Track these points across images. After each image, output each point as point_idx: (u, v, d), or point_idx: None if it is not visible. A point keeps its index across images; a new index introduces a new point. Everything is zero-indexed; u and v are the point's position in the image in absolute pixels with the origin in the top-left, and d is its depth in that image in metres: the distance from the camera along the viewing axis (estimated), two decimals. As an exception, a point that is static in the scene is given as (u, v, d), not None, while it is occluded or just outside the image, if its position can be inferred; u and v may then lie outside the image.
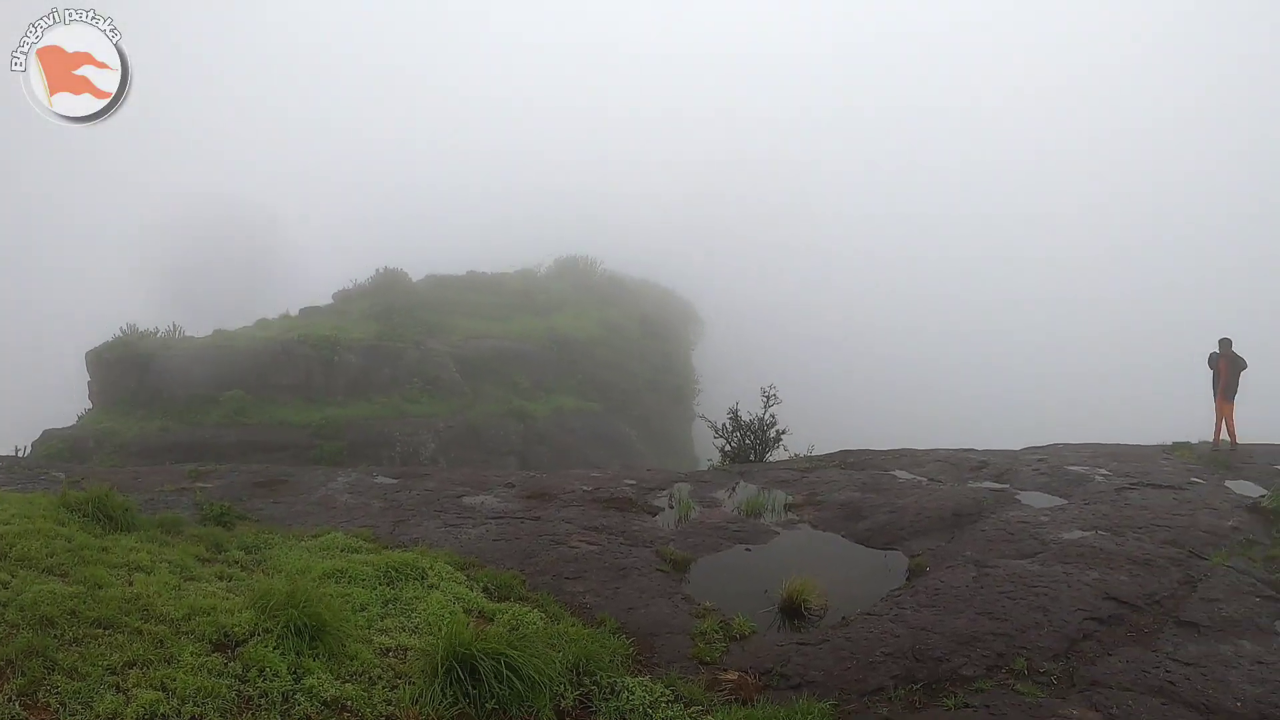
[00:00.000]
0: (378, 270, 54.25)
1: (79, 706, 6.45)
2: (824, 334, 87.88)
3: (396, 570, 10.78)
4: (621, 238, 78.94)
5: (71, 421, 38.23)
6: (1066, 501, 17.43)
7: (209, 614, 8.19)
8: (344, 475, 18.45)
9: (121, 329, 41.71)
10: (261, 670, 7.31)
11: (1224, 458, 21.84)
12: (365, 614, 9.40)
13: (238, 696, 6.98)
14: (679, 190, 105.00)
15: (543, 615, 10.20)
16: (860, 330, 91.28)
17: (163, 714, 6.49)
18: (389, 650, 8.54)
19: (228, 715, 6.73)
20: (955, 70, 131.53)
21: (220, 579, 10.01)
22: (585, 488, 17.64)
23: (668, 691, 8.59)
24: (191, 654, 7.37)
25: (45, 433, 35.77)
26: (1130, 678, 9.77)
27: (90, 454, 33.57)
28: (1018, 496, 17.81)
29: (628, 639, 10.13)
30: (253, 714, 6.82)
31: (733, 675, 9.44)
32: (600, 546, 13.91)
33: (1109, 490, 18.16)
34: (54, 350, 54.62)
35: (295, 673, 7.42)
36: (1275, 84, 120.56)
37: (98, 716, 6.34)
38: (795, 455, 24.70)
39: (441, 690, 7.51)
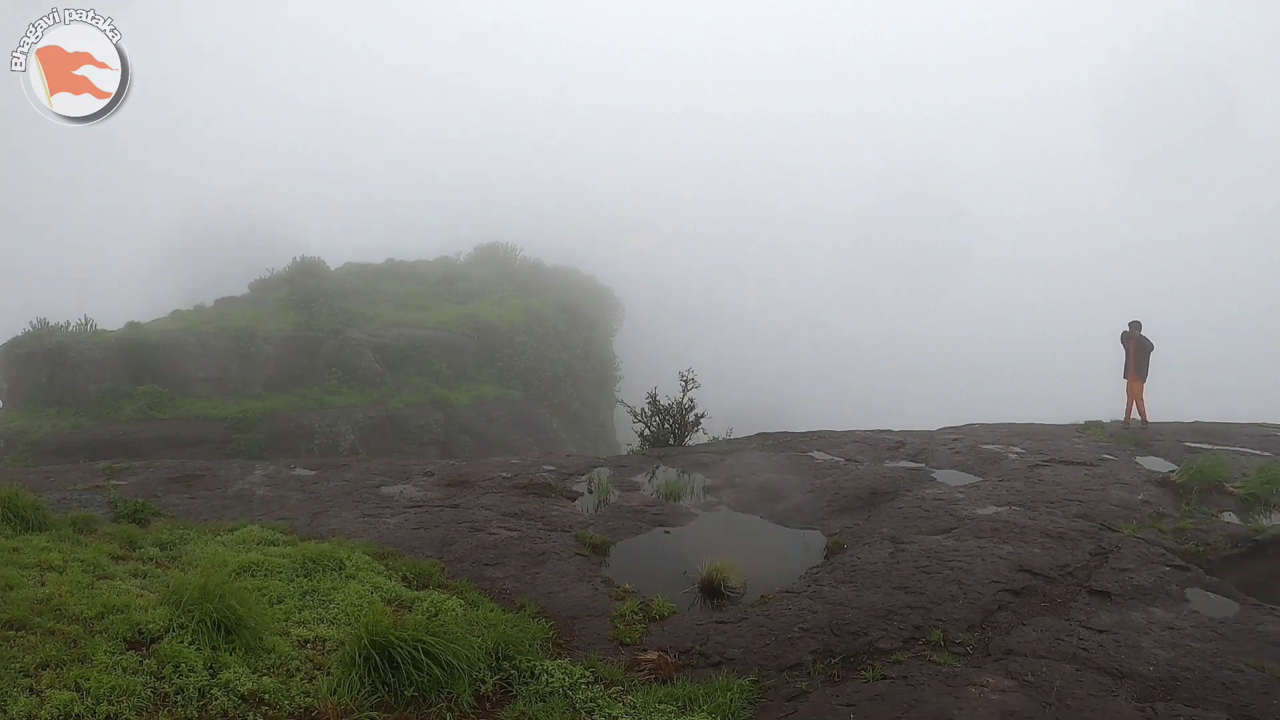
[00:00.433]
0: (295, 259, 53.15)
1: (-8, 709, 6.36)
2: (743, 319, 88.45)
3: (314, 562, 10.70)
4: (541, 225, 78.87)
5: (-19, 422, 37.37)
6: (981, 479, 17.73)
7: (123, 612, 8.09)
8: (261, 468, 18.25)
9: (31, 323, 40.43)
10: (177, 666, 7.24)
11: (1135, 435, 22.38)
12: (282, 606, 9.31)
13: (153, 694, 6.90)
14: (597, 179, 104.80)
15: (462, 602, 10.17)
16: (778, 316, 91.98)
17: (77, 714, 6.41)
18: (307, 642, 8.49)
19: (144, 713, 6.66)
20: (862, 66, 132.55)
21: (135, 576, 9.88)
22: (504, 474, 17.60)
23: (588, 673, 8.63)
24: (105, 653, 7.27)
25: (-45, 435, 34.91)
26: (1044, 646, 9.98)
27: (1, 454, 32.97)
28: (934, 475, 18.07)
29: (547, 623, 10.14)
30: (169, 711, 6.76)
31: (652, 655, 9.49)
32: (519, 532, 13.88)
33: (1022, 467, 18.49)
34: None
35: (211, 668, 7.36)
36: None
37: (12, 719, 6.26)
38: (714, 439, 24.85)
39: (360, 679, 7.48)
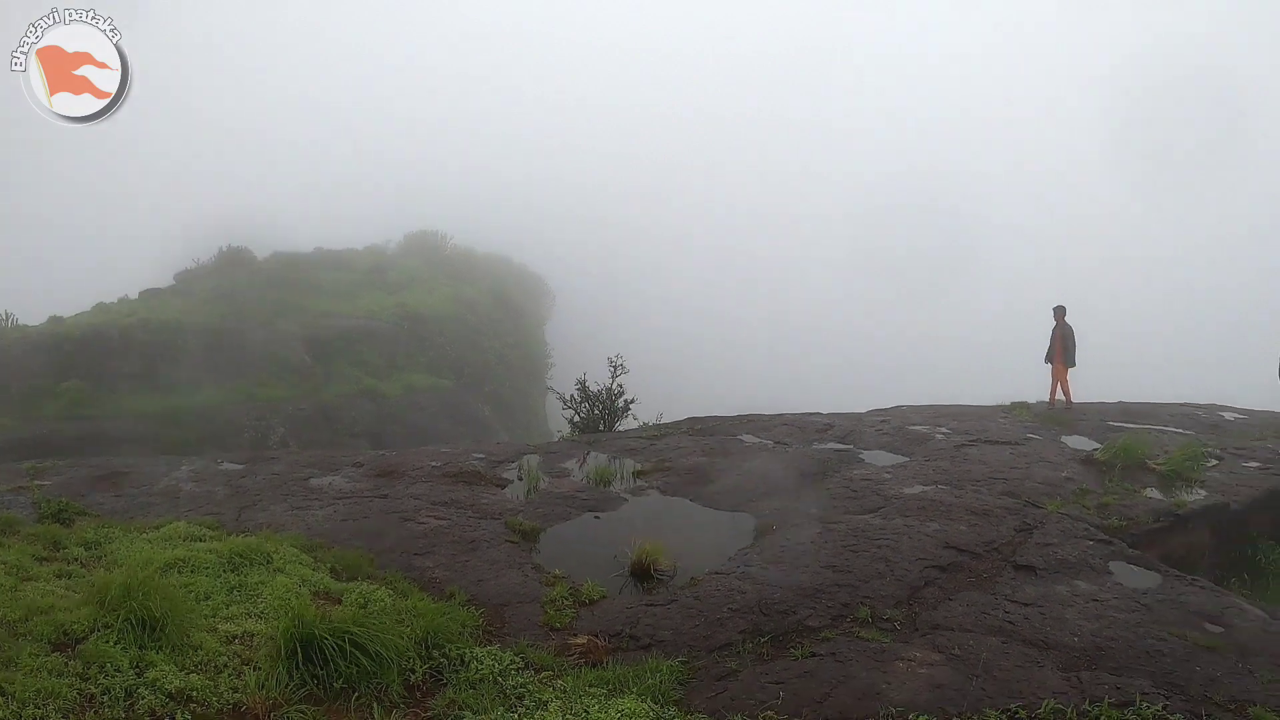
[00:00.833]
0: (221, 249, 51.69)
1: (-85, 717, 6.27)
2: (674, 305, 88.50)
3: (241, 556, 10.61)
4: (471, 212, 78.15)
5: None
6: (908, 459, 17.94)
7: (47, 613, 7.98)
8: (188, 464, 18.01)
9: (-52, 322, 39.59)
10: (103, 667, 7.17)
11: (1059, 415, 22.78)
12: (210, 602, 9.23)
13: (79, 695, 6.83)
14: (527, 168, 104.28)
15: (391, 592, 10.13)
16: (709, 300, 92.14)
17: (2, 718, 6.35)
18: (235, 637, 8.42)
19: (70, 715, 6.59)
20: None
21: (59, 577, 9.76)
22: (434, 464, 17.52)
23: (518, 659, 8.66)
24: (30, 655, 7.17)
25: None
26: (970, 620, 10.18)
27: (-77, 458, 32.28)
28: (861, 456, 18.25)
29: (478, 610, 10.15)
30: (96, 712, 6.70)
31: (582, 640, 9.54)
32: (449, 521, 13.84)
33: (949, 447, 18.74)
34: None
35: (138, 667, 7.29)
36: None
37: (-65, 727, 6.20)
38: (644, 424, 24.83)
39: (287, 673, 7.46)
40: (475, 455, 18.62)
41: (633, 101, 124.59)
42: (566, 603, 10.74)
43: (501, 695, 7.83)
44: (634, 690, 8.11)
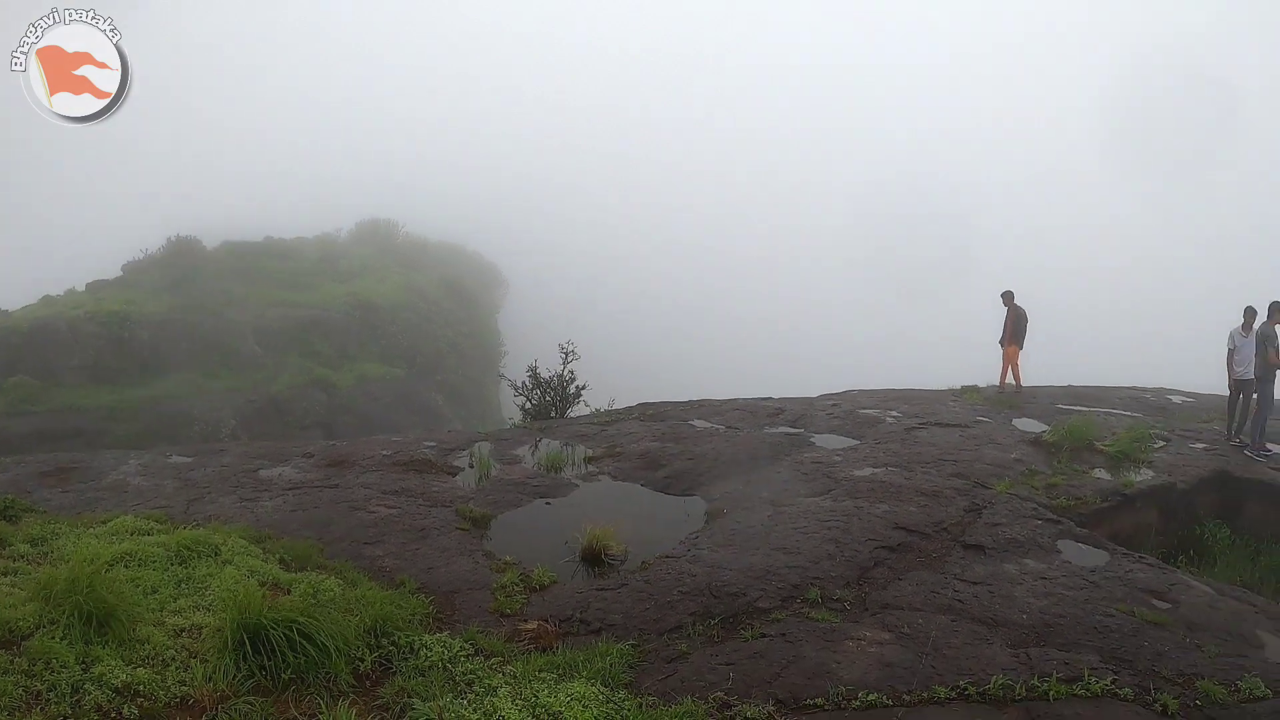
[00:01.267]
0: (169, 239, 51.07)
1: None
2: (626, 291, 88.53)
3: (188, 549, 10.49)
4: (422, 200, 77.80)
5: None
6: (859, 442, 18.07)
7: (-9, 611, 7.92)
8: (136, 457, 17.82)
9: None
10: (48, 663, 7.08)
11: (1009, 398, 22.99)
12: (157, 596, 9.13)
13: (25, 692, 6.73)
14: (479, 158, 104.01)
15: (340, 582, 10.05)
16: (661, 286, 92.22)
17: (-53, 717, 6.28)
18: (183, 630, 8.33)
19: (16, 713, 6.50)
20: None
21: (4, 574, 9.60)
22: (385, 453, 17.42)
23: (467, 646, 8.61)
24: (-26, 653, 7.12)
25: None
26: (920, 599, 10.29)
27: None
28: (812, 439, 18.36)
29: (428, 598, 10.10)
30: (42, 709, 6.62)
31: (532, 625, 9.53)
32: (400, 510, 13.78)
33: (899, 430, 18.90)
34: None
35: (84, 662, 7.21)
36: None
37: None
38: (596, 410, 24.85)
39: (235, 664, 7.41)
40: (426, 444, 18.56)
41: (586, 97, 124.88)
42: (517, 589, 10.71)
43: (451, 682, 7.80)
44: (584, 674, 8.11)
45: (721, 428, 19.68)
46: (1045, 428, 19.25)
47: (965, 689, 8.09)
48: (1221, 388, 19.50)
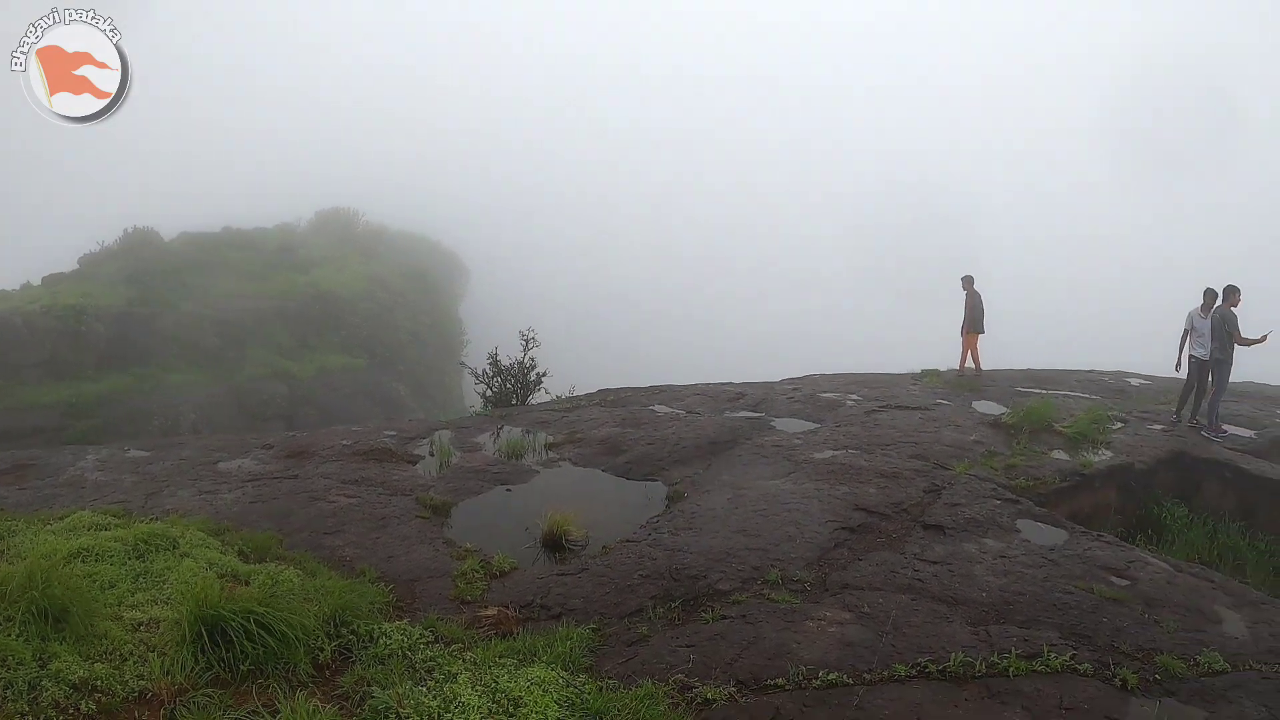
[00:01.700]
0: (126, 230, 50.50)
1: None
2: (588, 279, 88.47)
3: (146, 543, 10.41)
4: (382, 189, 77.33)
5: None
6: (819, 425, 18.16)
7: (-54, 610, 7.84)
8: (94, 453, 17.66)
9: None
10: (4, 660, 6.99)
11: (969, 381, 23.18)
12: (115, 590, 9.05)
13: (-20, 690, 6.72)
14: (438, 146, 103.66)
15: (299, 572, 9.99)
16: (623, 273, 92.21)
17: (-99, 718, 6.22)
18: (141, 624, 8.26)
19: (-29, 712, 6.50)
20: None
21: (-42, 573, 9.59)
22: (345, 443, 17.35)
23: (427, 633, 8.60)
24: (-71, 652, 7.05)
25: None
26: (880, 579, 10.36)
27: None
28: (773, 423, 18.44)
29: (388, 587, 10.09)
30: (-2, 707, 6.61)
31: (492, 611, 9.53)
32: (360, 499, 13.73)
33: (859, 413, 19.01)
34: None
35: (41, 659, 7.13)
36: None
37: None
38: (557, 397, 24.91)
39: (193, 657, 7.37)
40: (387, 433, 18.50)
41: (549, 91, 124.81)
42: (478, 575, 10.71)
43: (410, 669, 7.78)
44: (544, 659, 8.12)
45: (683, 412, 19.74)
46: (1004, 410, 19.43)
47: (925, 667, 8.16)
48: (1174, 368, 19.74)
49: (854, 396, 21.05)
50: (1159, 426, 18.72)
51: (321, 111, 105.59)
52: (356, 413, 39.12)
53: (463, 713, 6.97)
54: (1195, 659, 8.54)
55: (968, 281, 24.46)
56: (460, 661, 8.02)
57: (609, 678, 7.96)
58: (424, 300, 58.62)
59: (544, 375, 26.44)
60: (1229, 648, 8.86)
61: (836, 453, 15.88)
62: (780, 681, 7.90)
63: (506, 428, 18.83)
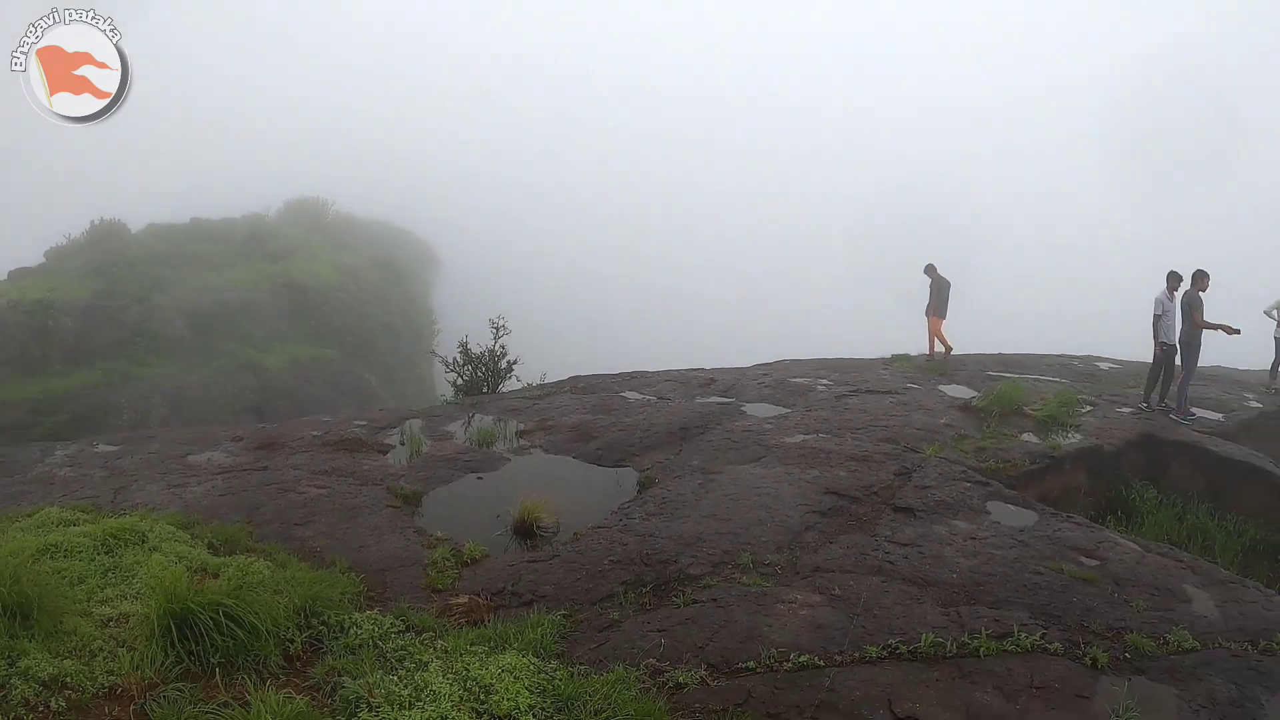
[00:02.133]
0: (93, 222, 49.90)
1: None
2: (560, 266, 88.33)
3: (115, 537, 10.36)
4: (351, 179, 76.94)
5: None
6: (790, 410, 18.23)
7: (-87, 610, 7.79)
8: (62, 448, 17.55)
9: None
10: (-28, 659, 7.03)
11: (939, 365, 23.31)
12: (84, 586, 9.01)
13: (-52, 691, 6.69)
14: (408, 135, 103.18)
15: (269, 564, 9.95)
16: (594, 260, 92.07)
17: None
18: (110, 620, 8.23)
19: (-61, 712, 6.47)
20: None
21: (-75, 573, 9.52)
22: (315, 433, 17.29)
23: (398, 622, 8.60)
24: (-104, 652, 7.00)
25: None
26: (851, 561, 10.41)
27: None
28: (744, 408, 18.49)
29: (359, 577, 10.06)
30: (-34, 706, 6.57)
31: (463, 599, 9.55)
32: (330, 489, 13.68)
33: (830, 398, 19.08)
34: None
35: (9, 656, 7.09)
36: None
37: None
38: (528, 384, 24.91)
39: (163, 651, 7.34)
40: (357, 423, 18.45)
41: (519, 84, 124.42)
42: (449, 564, 10.70)
43: (381, 659, 7.78)
44: (515, 645, 8.13)
45: (653, 399, 19.76)
46: (974, 393, 19.54)
47: (896, 648, 8.22)
48: (1147, 355, 19.85)
49: (824, 381, 21.13)
50: (1128, 409, 18.87)
51: (290, 103, 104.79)
52: (328, 403, 38.84)
53: (434, 701, 6.97)
54: (1165, 637, 8.62)
55: (930, 269, 24.76)
56: (431, 650, 8.02)
57: (580, 663, 7.98)
58: (395, 289, 58.31)
59: (515, 363, 26.40)
60: (1198, 626, 8.95)
61: (807, 437, 15.93)
62: (752, 664, 7.95)
63: (478, 416, 18.80)
